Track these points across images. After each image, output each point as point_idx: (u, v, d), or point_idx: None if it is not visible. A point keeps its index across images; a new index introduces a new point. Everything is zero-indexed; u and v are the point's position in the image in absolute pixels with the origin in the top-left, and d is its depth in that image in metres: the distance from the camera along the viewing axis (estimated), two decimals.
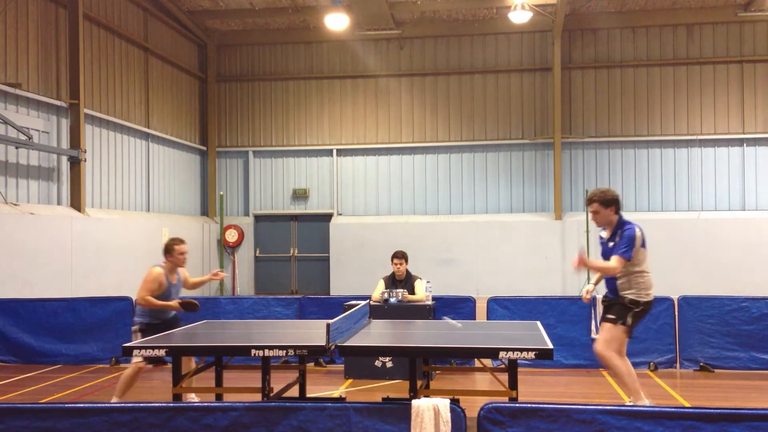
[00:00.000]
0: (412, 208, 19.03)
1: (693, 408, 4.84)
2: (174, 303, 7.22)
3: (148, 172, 16.77)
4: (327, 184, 19.40)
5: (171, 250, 7.33)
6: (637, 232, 6.16)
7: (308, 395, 6.80)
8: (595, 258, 6.63)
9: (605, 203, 6.27)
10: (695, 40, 18.26)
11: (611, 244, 6.25)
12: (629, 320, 6.18)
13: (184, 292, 7.73)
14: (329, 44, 19.28)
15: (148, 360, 6.91)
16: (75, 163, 13.50)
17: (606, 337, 6.25)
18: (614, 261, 6.12)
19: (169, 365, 7.13)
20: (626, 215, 6.48)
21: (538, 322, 6.58)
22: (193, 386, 5.93)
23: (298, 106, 19.55)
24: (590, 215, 6.46)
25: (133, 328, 7.23)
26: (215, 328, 6.93)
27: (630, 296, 6.19)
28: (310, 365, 9.07)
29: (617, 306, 6.26)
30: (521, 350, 4.93)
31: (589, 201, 6.38)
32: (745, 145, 18.02)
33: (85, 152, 13.76)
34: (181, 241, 7.39)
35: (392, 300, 8.64)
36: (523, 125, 18.76)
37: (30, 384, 8.12)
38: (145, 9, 16.68)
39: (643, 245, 6.20)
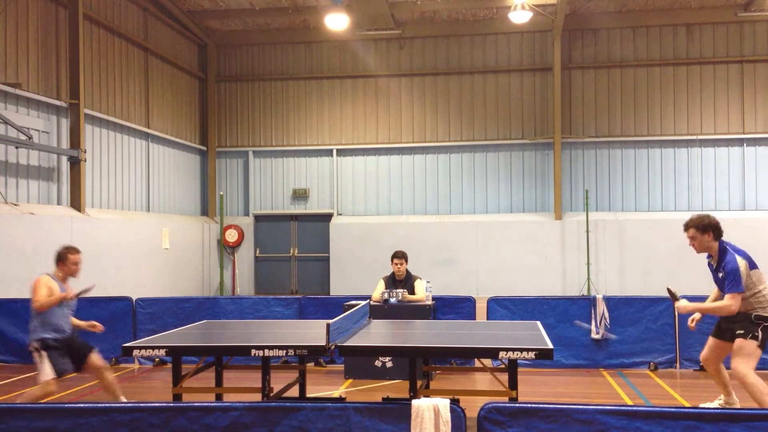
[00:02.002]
0: (412, 208, 19.03)
1: (693, 408, 4.84)
2: (69, 293, 6.57)
3: (148, 172, 16.77)
4: (327, 184, 19.40)
5: (65, 258, 6.74)
6: (740, 263, 6.06)
7: (308, 395, 6.80)
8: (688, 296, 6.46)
9: (702, 229, 6.20)
10: (695, 40, 18.26)
11: (720, 274, 6.18)
12: (759, 334, 6.05)
13: None
14: (329, 44, 19.28)
15: (59, 374, 6.46)
16: (75, 163, 13.49)
17: (742, 354, 6.07)
18: (727, 300, 6.06)
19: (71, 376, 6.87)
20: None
21: (538, 322, 6.59)
22: (193, 386, 5.93)
23: (298, 106, 19.55)
24: (688, 241, 6.35)
25: (34, 346, 6.52)
26: (215, 328, 6.93)
27: (756, 312, 6.08)
28: (310, 365, 9.07)
29: (743, 321, 6.13)
30: (521, 350, 4.93)
31: (686, 227, 6.30)
32: (745, 145, 18.02)
33: (85, 152, 13.76)
34: (76, 251, 6.83)
35: (392, 300, 8.64)
36: (523, 125, 18.76)
37: (30, 384, 8.10)
38: (145, 9, 16.68)
39: (753, 267, 6.11)
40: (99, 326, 6.82)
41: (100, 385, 6.94)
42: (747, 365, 6.02)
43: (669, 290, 6.55)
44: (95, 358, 6.83)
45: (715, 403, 6.59)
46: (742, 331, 6.11)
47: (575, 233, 17.72)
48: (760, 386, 5.96)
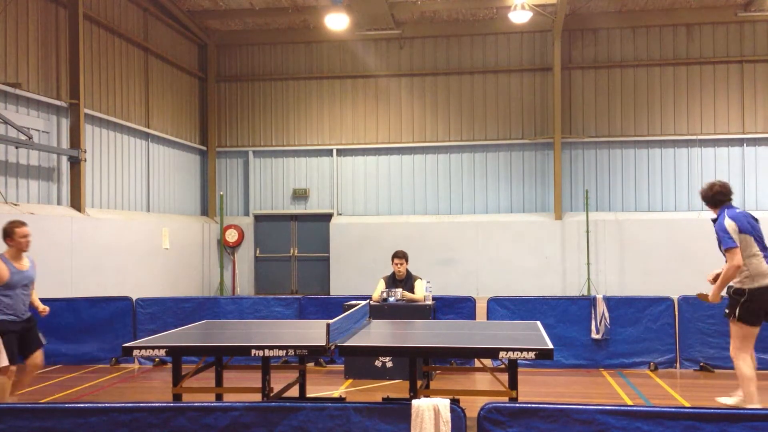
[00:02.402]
0: (412, 208, 19.03)
1: (693, 408, 4.84)
2: None
3: (148, 172, 16.77)
4: (327, 184, 19.40)
5: (11, 233, 6.60)
6: (727, 222, 6.11)
7: (308, 395, 6.80)
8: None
9: (703, 200, 6.58)
10: (695, 40, 18.26)
11: (716, 237, 6.28)
12: (737, 313, 6.01)
13: None
14: (329, 44, 19.28)
15: (13, 361, 6.47)
16: (75, 163, 13.49)
17: (732, 337, 6.12)
18: (728, 259, 6.07)
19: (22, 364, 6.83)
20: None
21: (538, 322, 6.58)
22: (193, 386, 5.93)
23: (298, 106, 19.55)
24: None
25: None
26: (215, 328, 6.93)
27: (735, 285, 6.07)
28: (310, 365, 9.07)
29: (728, 300, 6.18)
30: (521, 350, 4.93)
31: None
32: (745, 145, 18.02)
33: (85, 152, 13.76)
34: (22, 224, 6.69)
35: (391, 299, 8.64)
36: (523, 125, 18.76)
37: (30, 384, 8.11)
38: (145, 9, 16.68)
39: (744, 231, 6.10)
40: (47, 311, 7.05)
41: (17, 380, 6.88)
42: (736, 348, 6.06)
43: (699, 297, 6.70)
44: (39, 356, 6.94)
45: (733, 399, 6.45)
46: (726, 312, 6.19)
47: (575, 233, 17.72)
48: (746, 373, 5.98)
